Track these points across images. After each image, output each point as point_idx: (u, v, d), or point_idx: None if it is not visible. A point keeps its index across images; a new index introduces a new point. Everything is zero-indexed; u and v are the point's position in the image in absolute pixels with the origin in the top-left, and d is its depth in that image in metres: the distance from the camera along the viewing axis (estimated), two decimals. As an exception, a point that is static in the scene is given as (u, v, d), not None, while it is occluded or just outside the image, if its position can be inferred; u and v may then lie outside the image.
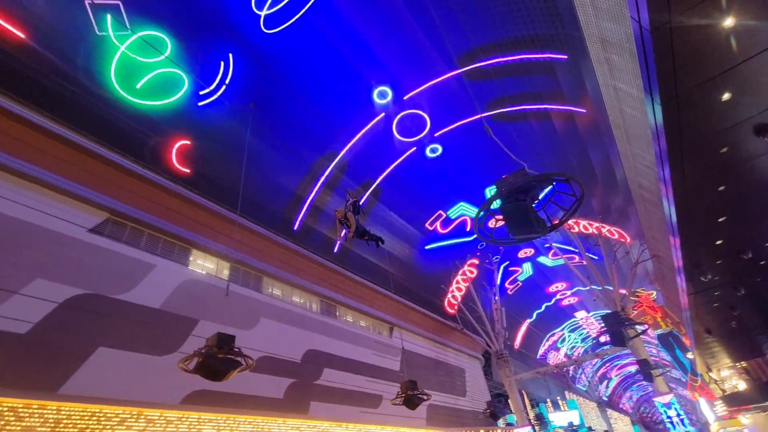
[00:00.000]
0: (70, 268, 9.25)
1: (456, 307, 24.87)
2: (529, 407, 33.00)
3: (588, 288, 26.36)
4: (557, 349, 43.72)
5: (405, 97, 16.59)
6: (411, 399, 11.85)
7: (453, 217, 22.79)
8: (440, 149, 19.03)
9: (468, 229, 23.39)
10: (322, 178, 16.97)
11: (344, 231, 9.64)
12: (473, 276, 25.39)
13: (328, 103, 15.73)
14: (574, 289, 35.28)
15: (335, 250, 18.40)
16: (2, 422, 7.33)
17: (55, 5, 10.26)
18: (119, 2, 10.76)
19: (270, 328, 13.44)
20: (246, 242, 13.91)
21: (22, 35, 9.80)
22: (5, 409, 7.42)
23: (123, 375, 9.15)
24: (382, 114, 16.88)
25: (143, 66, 11.67)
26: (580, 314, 41.13)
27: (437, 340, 23.87)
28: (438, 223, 22.56)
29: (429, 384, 19.92)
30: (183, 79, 12.42)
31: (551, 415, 34.35)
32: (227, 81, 13.21)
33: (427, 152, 19.03)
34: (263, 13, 12.80)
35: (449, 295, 24.83)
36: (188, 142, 13.09)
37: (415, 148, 18.60)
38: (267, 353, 12.63)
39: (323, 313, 16.70)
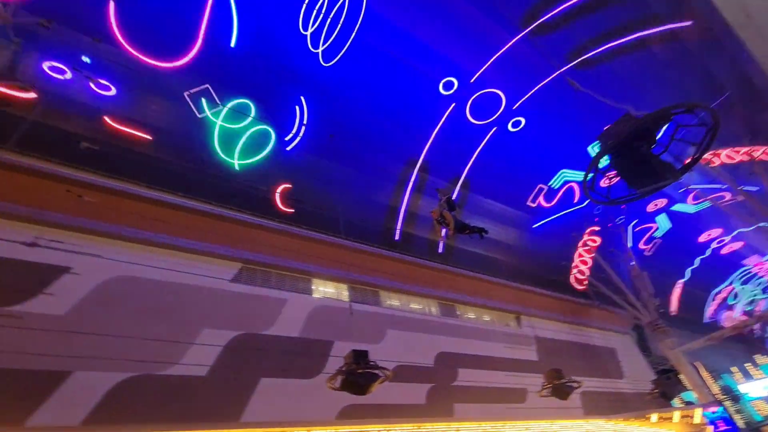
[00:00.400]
0: (224, 315, 10.89)
1: (585, 282, 22.56)
2: (710, 380, 27.99)
3: (753, 227, 21.57)
4: (730, 308, 36.46)
5: (471, 80, 15.96)
6: (559, 389, 11.03)
7: (556, 188, 20.90)
8: (523, 121, 17.75)
9: (576, 199, 21.21)
10: (410, 185, 17.16)
11: (444, 230, 9.55)
12: (597, 245, 22.81)
13: (398, 110, 15.95)
14: (734, 233, 29.15)
15: (440, 250, 18.33)
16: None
17: (164, 106, 12.44)
18: (207, 86, 12.54)
19: (398, 338, 13.88)
20: (355, 262, 14.71)
21: (148, 137, 12.08)
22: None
23: (285, 400, 10.34)
24: (453, 104, 16.47)
25: (237, 131, 13.38)
26: (752, 260, 33.78)
27: (573, 321, 21.89)
28: (541, 198, 20.92)
29: (576, 370, 18.28)
30: (270, 132, 13.88)
31: (742, 386, 28.59)
32: (305, 122, 14.34)
33: (509, 128, 17.91)
34: (320, 50, 13.65)
35: (574, 271, 22.66)
36: (288, 185, 14.50)
37: (495, 128, 17.68)
38: (401, 362, 13.03)
39: (444, 315, 16.67)
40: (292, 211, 14.45)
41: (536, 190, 20.66)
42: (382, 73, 14.83)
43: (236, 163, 13.53)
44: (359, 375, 7.21)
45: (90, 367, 8.29)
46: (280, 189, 14.40)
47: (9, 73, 10.21)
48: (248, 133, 13.55)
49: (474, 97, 16.50)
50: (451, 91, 16.06)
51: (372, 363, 7.31)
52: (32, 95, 10.15)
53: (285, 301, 12.34)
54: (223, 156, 13.28)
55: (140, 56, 11.43)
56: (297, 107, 14.29)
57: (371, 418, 11.07)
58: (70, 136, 11.01)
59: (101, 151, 11.26)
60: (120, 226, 10.61)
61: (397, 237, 17.16)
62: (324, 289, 13.97)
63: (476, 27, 14.72)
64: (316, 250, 14.05)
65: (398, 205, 17.29)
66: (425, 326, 15.21)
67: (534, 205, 20.98)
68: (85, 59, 10.98)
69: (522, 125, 17.81)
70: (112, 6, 10.82)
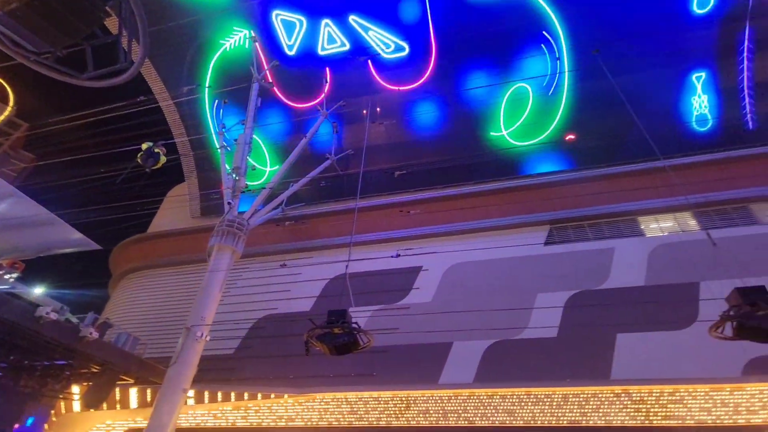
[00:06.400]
0: (551, 278, 10.93)
1: None
2: None
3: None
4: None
5: None
6: None
7: None
8: None
9: None
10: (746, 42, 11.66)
11: None
12: None
13: None
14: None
15: None
16: (544, 406, 9.07)
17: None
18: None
19: (814, 261, 9.46)
20: (693, 180, 11.31)
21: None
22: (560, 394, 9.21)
23: (653, 355, 9.10)
24: None
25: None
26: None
27: None
28: None
29: None
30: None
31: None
32: (557, 55, 12.72)
33: None
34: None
35: None
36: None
37: None
38: (837, 294, 8.75)
39: None
40: (581, 155, 12.96)
41: None
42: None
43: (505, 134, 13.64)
44: (763, 318, 5.32)
45: (463, 337, 10.29)
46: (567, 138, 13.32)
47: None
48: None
49: None
50: None
51: (779, 301, 5.24)
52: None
53: (612, 250, 11.04)
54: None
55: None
56: (543, 46, 12.88)
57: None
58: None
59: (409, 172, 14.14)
60: (439, 225, 12.87)
61: (750, 125, 12.01)
62: (659, 225, 11.53)
63: None
64: (628, 185, 11.89)
65: (731, 84, 12.15)
66: None
67: None
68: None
69: None
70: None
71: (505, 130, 13.65)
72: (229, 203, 11.12)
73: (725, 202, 11.22)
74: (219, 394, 11.68)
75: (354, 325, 6.52)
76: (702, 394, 8.77)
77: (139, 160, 8.49)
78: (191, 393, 11.21)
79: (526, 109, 13.37)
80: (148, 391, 11.52)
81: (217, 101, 15.08)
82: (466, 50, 13.62)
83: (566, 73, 12.81)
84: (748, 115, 12.05)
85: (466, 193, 13.24)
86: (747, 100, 12.08)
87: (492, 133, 13.82)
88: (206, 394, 11.70)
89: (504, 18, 12.91)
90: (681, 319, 9.30)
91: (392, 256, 10.57)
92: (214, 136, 14.76)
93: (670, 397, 8.97)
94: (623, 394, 9.28)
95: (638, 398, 9.17)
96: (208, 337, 9.43)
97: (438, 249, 12.18)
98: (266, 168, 15.59)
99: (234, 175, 11.54)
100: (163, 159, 8.79)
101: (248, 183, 11.93)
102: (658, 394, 9.03)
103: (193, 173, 16.70)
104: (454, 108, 14.24)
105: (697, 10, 11.93)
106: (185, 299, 13.48)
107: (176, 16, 13.26)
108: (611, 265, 10.76)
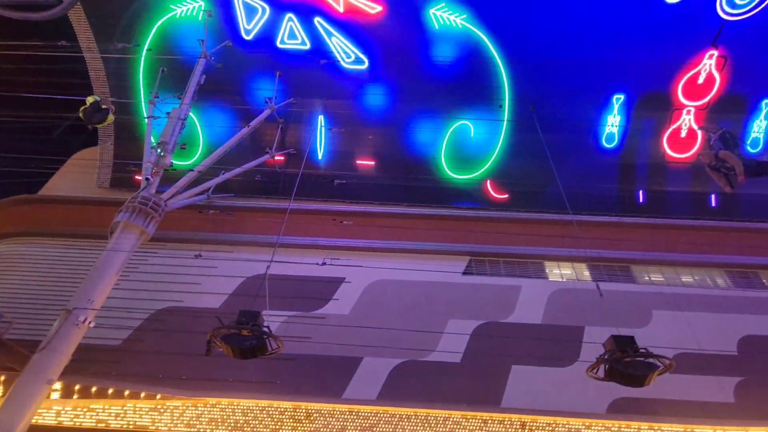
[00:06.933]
0: (464, 306, 11.61)
1: None
2: None
3: None
4: None
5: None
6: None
7: None
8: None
9: None
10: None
11: (725, 176, 7.15)
12: None
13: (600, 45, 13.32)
14: None
15: (713, 204, 13.92)
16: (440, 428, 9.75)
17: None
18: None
19: (671, 320, 11.27)
20: (593, 237, 12.91)
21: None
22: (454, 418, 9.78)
23: (541, 388, 10.05)
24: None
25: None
26: None
27: None
28: None
29: None
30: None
31: None
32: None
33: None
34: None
35: None
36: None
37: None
38: (684, 350, 10.48)
39: (741, 286, 12.48)
40: (506, 197, 14.13)
41: None
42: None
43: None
44: (628, 364, 6.19)
45: (373, 353, 10.38)
46: (489, 180, 14.38)
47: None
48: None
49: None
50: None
51: (643, 350, 6.15)
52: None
53: (519, 288, 12.08)
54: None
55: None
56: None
57: (654, 414, 9.37)
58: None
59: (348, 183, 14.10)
60: (369, 240, 13.00)
61: (641, 199, 14.11)
62: (560, 272, 12.91)
63: None
64: (540, 231, 13.19)
65: (633, 161, 14.25)
66: (710, 303, 11.80)
67: None
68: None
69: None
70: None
71: (444, 161, 14.38)
72: (147, 179, 10.08)
73: (613, 260, 12.92)
74: (93, 389, 10.29)
75: (264, 329, 6.25)
76: (574, 427, 9.83)
77: (81, 115, 7.62)
78: (58, 385, 9.74)
79: (465, 145, 14.25)
80: (2, 378, 9.78)
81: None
82: (421, 78, 14.21)
83: (505, 121, 13.94)
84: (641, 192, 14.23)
85: (398, 213, 13.62)
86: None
87: (432, 162, 14.46)
88: (77, 388, 10.25)
89: (460, 56, 13.75)
90: (566, 358, 10.41)
91: (317, 264, 10.42)
92: (143, 103, 13.45)
93: (547, 428, 9.90)
94: (508, 422, 10.04)
95: (521, 427, 9.98)
96: (93, 323, 8.32)
97: (364, 263, 12.26)
98: (197, 151, 14.53)
99: (159, 150, 10.53)
100: (111, 117, 8.10)
101: (174, 162, 10.99)
102: (538, 424, 9.92)
103: (110, 139, 14.95)
104: (401, 130, 14.69)
105: (615, 103, 14.00)
106: (72, 278, 11.80)
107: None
108: (517, 301, 11.74)
